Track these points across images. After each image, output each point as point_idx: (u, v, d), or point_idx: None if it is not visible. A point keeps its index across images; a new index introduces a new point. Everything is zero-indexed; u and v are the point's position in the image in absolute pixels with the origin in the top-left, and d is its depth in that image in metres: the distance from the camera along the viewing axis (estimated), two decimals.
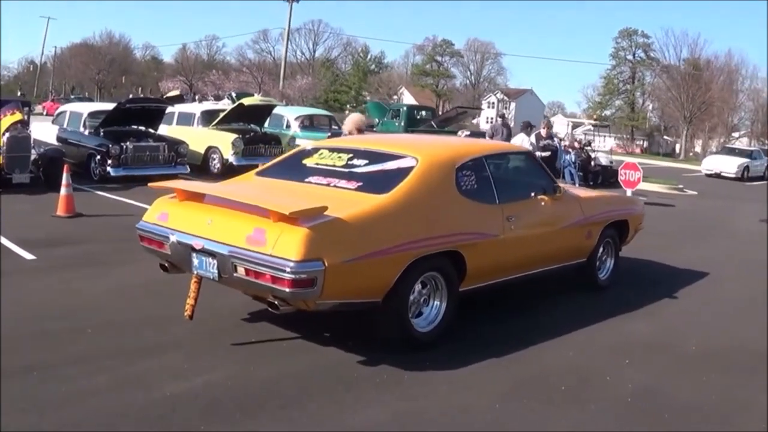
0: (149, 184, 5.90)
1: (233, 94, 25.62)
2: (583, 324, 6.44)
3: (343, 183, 5.64)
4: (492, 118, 67.61)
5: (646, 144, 69.38)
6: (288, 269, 4.52)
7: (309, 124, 20.53)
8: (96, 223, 10.31)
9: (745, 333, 6.60)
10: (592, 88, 76.86)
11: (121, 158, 14.10)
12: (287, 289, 4.57)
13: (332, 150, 6.22)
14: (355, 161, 5.90)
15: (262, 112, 17.86)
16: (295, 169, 6.14)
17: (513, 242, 6.13)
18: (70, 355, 5.07)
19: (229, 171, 16.06)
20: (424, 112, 28.73)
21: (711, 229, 14.14)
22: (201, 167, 16.32)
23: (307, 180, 5.83)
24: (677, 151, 64.17)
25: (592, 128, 38.64)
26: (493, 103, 77.65)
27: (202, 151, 16.58)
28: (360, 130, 8.23)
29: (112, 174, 14.00)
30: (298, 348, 5.44)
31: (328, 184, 5.67)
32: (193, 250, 5.12)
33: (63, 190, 10.53)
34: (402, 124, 26.75)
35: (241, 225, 4.89)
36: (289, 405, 4.43)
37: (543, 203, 6.65)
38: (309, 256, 4.56)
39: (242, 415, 4.27)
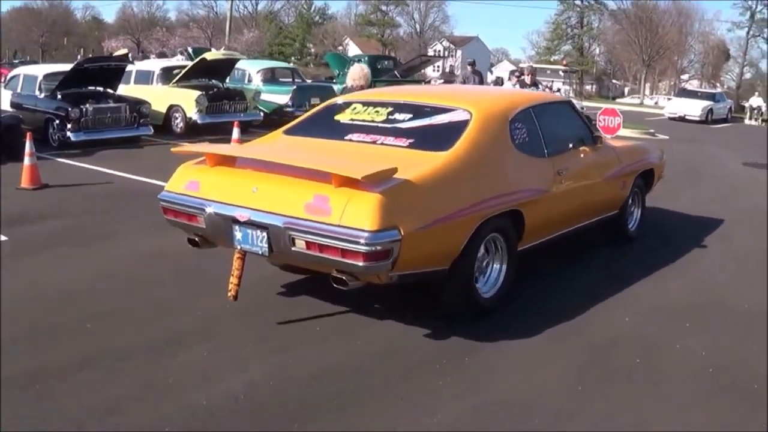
0: (173, 150, 5.30)
1: (190, 50, 24.52)
2: (624, 283, 6.14)
3: (390, 140, 5.17)
4: (438, 66, 66.83)
5: (595, 88, 69.88)
6: (362, 241, 4.05)
7: (271, 77, 19.82)
8: (65, 193, 9.56)
9: None
10: (537, 34, 76.86)
11: (82, 122, 13.26)
12: (361, 263, 4.11)
13: (366, 104, 5.72)
14: (398, 116, 5.43)
15: (225, 66, 17.10)
16: (328, 125, 5.63)
17: (564, 196, 5.83)
18: (73, 357, 4.34)
19: (192, 130, 15.51)
20: (386, 62, 28.03)
21: (699, 173, 14.06)
22: (163, 127, 15.59)
23: (347, 137, 5.34)
24: (625, 94, 64.80)
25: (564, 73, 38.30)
26: (439, 51, 76.95)
27: (164, 110, 15.83)
28: (367, 84, 7.68)
29: (73, 139, 13.15)
30: (345, 327, 4.96)
31: (374, 142, 5.20)
32: (235, 222, 4.60)
33: (27, 160, 9.71)
34: None
35: (297, 192, 4.38)
36: (345, 406, 3.88)
37: (586, 154, 6.35)
38: (384, 224, 4.10)
39: (292, 421, 3.71)
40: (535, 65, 22.95)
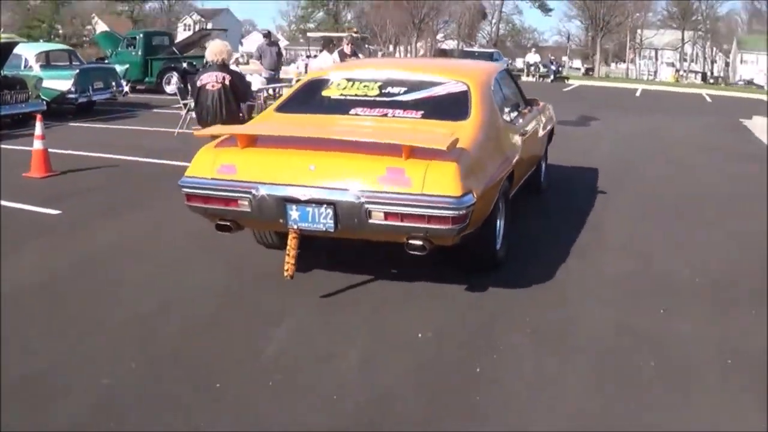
0: (195, 133, 5.37)
1: None
2: (557, 251, 6.39)
3: (400, 113, 5.68)
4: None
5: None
6: (450, 206, 4.58)
7: (46, 61, 18.55)
8: None
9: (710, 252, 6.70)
10: (286, 3, 78.40)
11: None
12: (448, 227, 4.62)
13: (350, 80, 6.14)
14: (391, 90, 5.92)
15: (4, 52, 15.82)
16: (323, 102, 6.01)
17: (525, 155, 6.67)
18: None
19: None
20: (162, 38, 27.44)
21: None
22: None
23: (352, 112, 5.75)
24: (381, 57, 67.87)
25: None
26: (189, 25, 75.87)
27: None
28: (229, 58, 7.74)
29: None
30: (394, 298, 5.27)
31: (385, 115, 5.68)
32: (292, 201, 4.86)
33: None
34: (140, 53, 25.18)
35: (365, 167, 4.77)
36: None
37: (526, 116, 7.26)
38: (465, 189, 4.67)
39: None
40: (354, 35, 23.52)
